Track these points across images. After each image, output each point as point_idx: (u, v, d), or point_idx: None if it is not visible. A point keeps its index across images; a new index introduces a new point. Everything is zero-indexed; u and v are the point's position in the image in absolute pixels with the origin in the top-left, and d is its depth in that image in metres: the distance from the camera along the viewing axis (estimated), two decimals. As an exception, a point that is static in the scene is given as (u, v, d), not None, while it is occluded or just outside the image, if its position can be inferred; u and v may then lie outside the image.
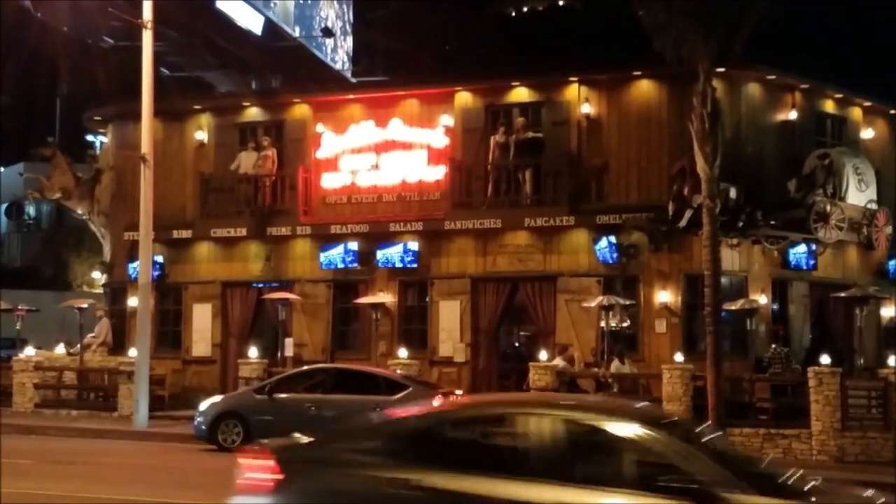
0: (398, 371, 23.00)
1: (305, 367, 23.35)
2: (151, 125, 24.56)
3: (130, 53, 36.69)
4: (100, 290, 41.09)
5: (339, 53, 39.82)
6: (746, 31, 20.94)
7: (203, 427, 21.10)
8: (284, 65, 35.61)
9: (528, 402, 9.48)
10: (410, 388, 20.56)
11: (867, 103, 27.78)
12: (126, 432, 23.72)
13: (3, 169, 54.54)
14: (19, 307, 28.88)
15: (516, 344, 28.14)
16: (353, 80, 37.11)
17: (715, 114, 21.22)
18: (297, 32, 37.68)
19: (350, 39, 40.66)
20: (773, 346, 23.63)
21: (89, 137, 50.55)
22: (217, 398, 22.17)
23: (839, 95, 27.22)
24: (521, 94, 26.76)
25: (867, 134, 27.75)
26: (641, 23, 21.03)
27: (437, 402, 19.85)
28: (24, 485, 15.48)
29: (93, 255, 44.94)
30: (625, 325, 24.93)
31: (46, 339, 31.69)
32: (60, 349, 29.75)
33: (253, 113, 29.27)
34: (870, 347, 25.77)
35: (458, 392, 21.63)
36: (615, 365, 23.66)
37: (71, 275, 46.70)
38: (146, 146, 24.53)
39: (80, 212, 30.80)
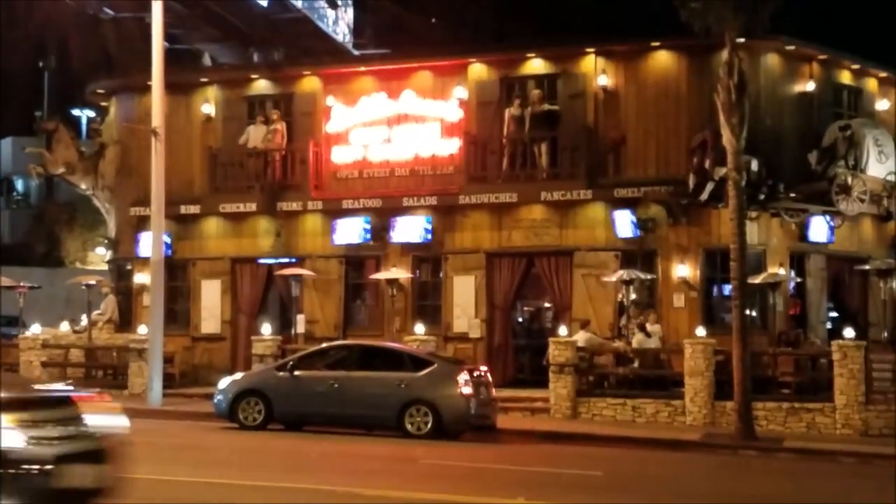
0: (418, 347, 22.70)
1: (327, 344, 22.95)
2: (163, 98, 24.00)
3: (123, 26, 36.16)
4: (93, 267, 40.60)
5: (340, 26, 39.31)
6: (775, 1, 20.68)
7: (223, 405, 20.69)
8: (285, 38, 35.03)
9: None
10: (435, 365, 20.23)
11: (882, 74, 27.52)
12: (140, 410, 23.14)
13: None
14: (21, 284, 28.35)
15: (522, 319, 27.83)
16: (356, 53, 36.56)
17: (742, 85, 20.93)
18: (299, 4, 37.08)
19: (351, 11, 40.14)
20: None
21: (76, 112, 49.81)
22: (238, 375, 21.76)
23: (855, 66, 26.95)
24: (536, 66, 26.35)
25: (882, 105, 27.51)
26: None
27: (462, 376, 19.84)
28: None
29: (86, 231, 44.40)
30: (633, 297, 24.70)
31: (43, 316, 31.13)
32: (65, 327, 29.32)
33: (261, 86, 28.75)
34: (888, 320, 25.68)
35: (483, 368, 21.34)
36: (638, 339, 23.39)
37: (63, 251, 46.08)
38: (157, 119, 23.93)
39: (83, 187, 30.23)
